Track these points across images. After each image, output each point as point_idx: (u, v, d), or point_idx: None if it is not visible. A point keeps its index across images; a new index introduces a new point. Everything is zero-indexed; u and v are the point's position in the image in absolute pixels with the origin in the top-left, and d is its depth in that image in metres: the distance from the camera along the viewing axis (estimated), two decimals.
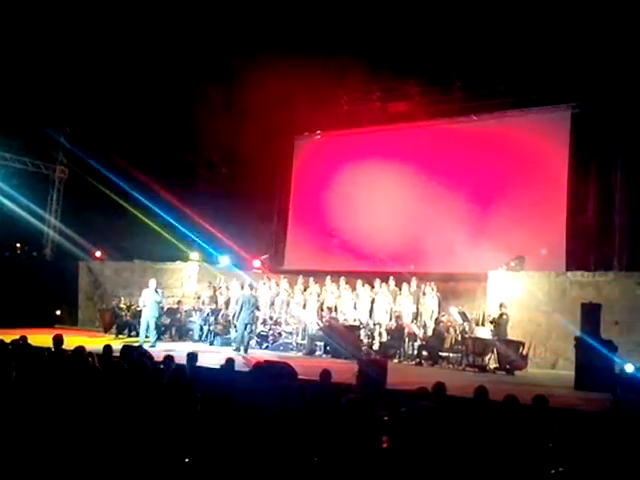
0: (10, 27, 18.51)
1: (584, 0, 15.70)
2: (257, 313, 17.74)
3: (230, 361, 8.78)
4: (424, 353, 15.44)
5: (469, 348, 14.59)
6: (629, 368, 10.54)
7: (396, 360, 15.38)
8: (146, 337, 15.54)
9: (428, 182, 19.45)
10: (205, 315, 18.05)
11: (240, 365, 9.21)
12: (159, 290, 16.22)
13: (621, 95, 16.33)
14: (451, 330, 15.45)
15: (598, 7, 15.52)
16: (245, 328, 15.38)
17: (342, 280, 17.90)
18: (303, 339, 17.04)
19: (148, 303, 15.86)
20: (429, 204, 19.15)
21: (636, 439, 5.42)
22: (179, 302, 19.24)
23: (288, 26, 18.75)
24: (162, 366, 6.98)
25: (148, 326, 15.69)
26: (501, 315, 14.54)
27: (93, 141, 21.68)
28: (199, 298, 19.01)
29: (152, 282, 16.26)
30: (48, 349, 9.18)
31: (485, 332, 14.81)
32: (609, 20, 15.58)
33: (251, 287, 16.23)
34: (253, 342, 16.89)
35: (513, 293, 15.53)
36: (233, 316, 16.32)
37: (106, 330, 19.27)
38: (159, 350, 12.54)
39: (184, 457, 4.70)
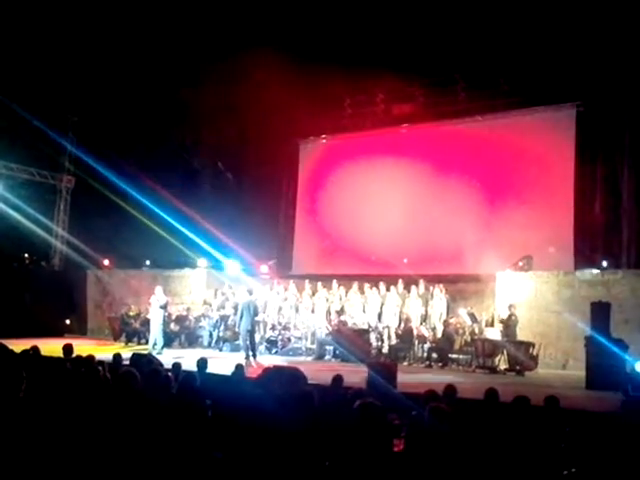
0: (14, 37, 18.62)
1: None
2: (266, 319, 17.78)
3: (239, 367, 8.79)
4: (434, 355, 15.43)
5: (479, 350, 14.56)
6: None
7: (406, 363, 15.37)
8: (155, 345, 15.56)
9: (434, 184, 19.44)
10: (214, 322, 18.09)
11: (249, 371, 9.21)
12: (162, 296, 16.14)
13: (626, 92, 16.29)
14: (460, 332, 15.43)
15: (601, 4, 15.51)
16: (248, 335, 15.25)
17: (355, 284, 17.84)
18: (312, 344, 17.03)
19: (153, 310, 15.89)
20: (436, 206, 19.14)
21: None
22: (188, 309, 19.28)
23: (292, 31, 18.80)
24: (170, 374, 6.98)
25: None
26: (510, 316, 14.50)
27: (99, 149, 21.75)
28: (210, 305, 19.02)
29: (157, 289, 16.25)
30: (58, 359, 9.20)
31: (495, 333, 14.78)
32: (612, 17, 15.55)
33: (250, 293, 16.14)
34: (262, 347, 16.90)
35: (522, 293, 15.48)
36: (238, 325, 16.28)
37: (115, 338, 19.31)
38: (167, 357, 12.54)
39: (196, 464, 4.70)
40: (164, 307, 15.94)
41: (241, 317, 15.38)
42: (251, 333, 15.28)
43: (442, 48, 17.96)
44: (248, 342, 15.20)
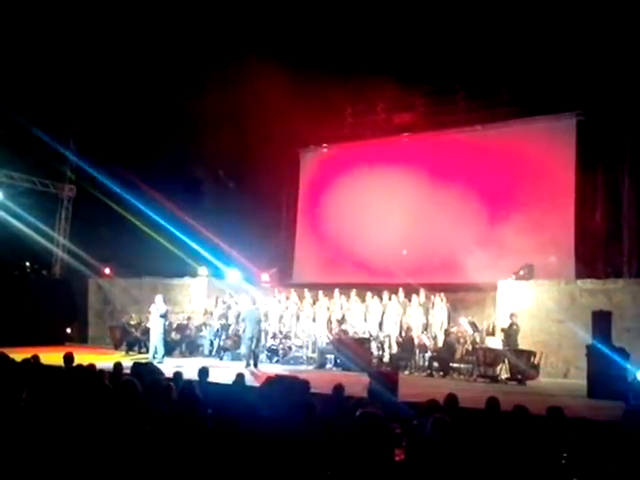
0: (16, 46, 18.68)
1: (586, 8, 15.70)
2: (267, 327, 17.78)
3: (240, 376, 8.78)
4: (435, 364, 15.40)
5: (480, 359, 14.53)
6: None
7: (407, 372, 15.34)
8: (155, 353, 15.55)
9: (435, 193, 19.45)
10: (215, 330, 18.08)
11: (250, 380, 9.19)
12: (162, 304, 16.11)
13: (626, 101, 16.32)
14: (461, 341, 15.41)
15: (601, 14, 15.56)
16: (251, 342, 15.35)
17: (353, 293, 17.89)
18: (313, 352, 17.02)
19: (153, 319, 15.89)
20: (436, 215, 19.15)
21: None
22: (189, 318, 19.26)
23: (293, 40, 18.87)
24: (171, 383, 6.97)
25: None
26: (511, 325, 14.48)
27: (101, 158, 21.80)
28: (211, 314, 19.01)
29: (157, 298, 16.24)
30: (59, 367, 9.20)
31: (496, 342, 14.76)
32: (612, 26, 15.60)
33: (253, 302, 16.23)
34: (263, 356, 16.89)
35: (523, 302, 15.47)
36: (243, 331, 16.36)
37: (116, 347, 19.30)
38: (168, 366, 12.52)
39: (196, 474, 4.70)
40: (164, 316, 15.93)
41: (245, 326, 15.58)
42: (255, 341, 15.39)
43: (442, 58, 18.02)
44: (249, 350, 15.29)
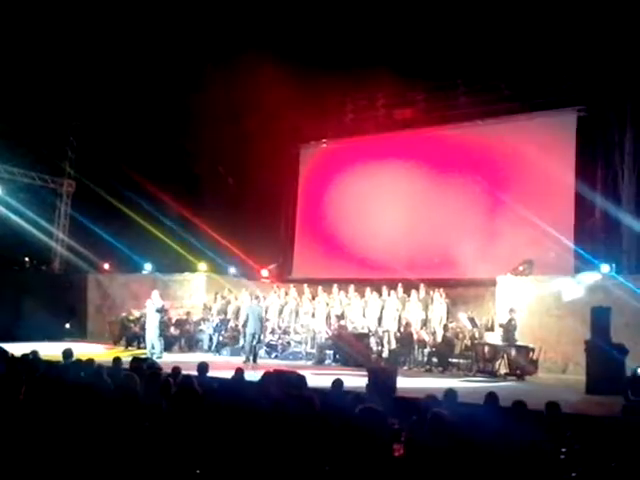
0: (16, 41, 18.65)
1: (588, 4, 15.68)
2: (266, 323, 17.81)
3: (240, 371, 8.78)
4: (434, 360, 15.43)
5: (479, 354, 14.55)
6: None
7: (406, 367, 15.35)
8: (152, 349, 15.55)
9: (435, 188, 19.45)
10: (215, 325, 18.10)
11: (249, 375, 9.19)
12: (159, 299, 16.11)
13: (627, 97, 16.30)
14: (460, 336, 15.42)
15: (602, 9, 15.54)
16: (253, 338, 15.41)
17: (352, 288, 17.91)
18: (312, 348, 17.05)
19: (149, 314, 15.90)
20: (436, 210, 19.15)
21: None
22: (188, 313, 19.26)
23: (292, 35, 18.84)
24: (170, 378, 6.98)
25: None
26: (510, 320, 14.48)
27: (100, 153, 21.78)
28: (210, 309, 19.02)
29: (154, 293, 16.24)
30: (58, 362, 9.20)
31: (495, 338, 14.77)
32: (614, 22, 15.57)
33: (257, 298, 16.28)
34: (262, 352, 16.91)
35: (522, 298, 15.46)
36: (243, 325, 16.41)
37: (115, 342, 19.28)
38: (167, 361, 12.52)
39: (195, 469, 4.70)
40: (160, 311, 15.93)
41: (246, 321, 15.62)
42: (255, 336, 15.44)
43: (443, 53, 17.99)
44: (250, 345, 15.35)
